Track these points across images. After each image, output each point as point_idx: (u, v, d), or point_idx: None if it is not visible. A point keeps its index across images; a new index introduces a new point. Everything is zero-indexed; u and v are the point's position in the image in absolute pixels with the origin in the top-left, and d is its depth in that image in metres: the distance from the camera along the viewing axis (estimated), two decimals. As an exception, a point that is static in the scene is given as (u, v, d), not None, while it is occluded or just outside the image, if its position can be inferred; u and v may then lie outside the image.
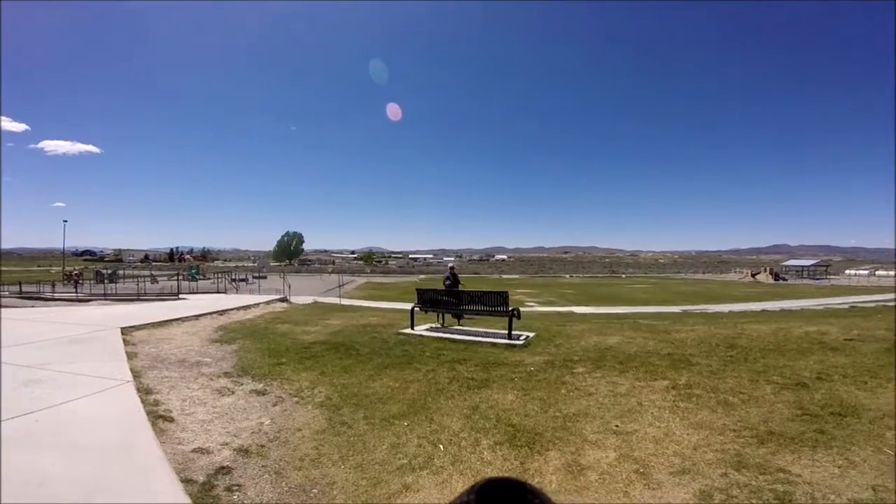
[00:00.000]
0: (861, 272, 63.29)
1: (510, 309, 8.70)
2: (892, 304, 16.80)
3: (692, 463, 3.51)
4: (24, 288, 25.78)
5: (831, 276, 60.69)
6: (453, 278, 11.47)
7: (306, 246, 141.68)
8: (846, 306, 17.02)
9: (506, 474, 3.32)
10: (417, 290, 10.56)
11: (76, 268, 50.21)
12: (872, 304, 17.39)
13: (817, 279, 57.43)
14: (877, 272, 61.78)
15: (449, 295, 9.98)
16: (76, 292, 25.08)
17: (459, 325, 10.25)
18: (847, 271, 67.09)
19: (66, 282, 33.79)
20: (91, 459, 3.46)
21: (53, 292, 24.85)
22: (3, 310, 13.32)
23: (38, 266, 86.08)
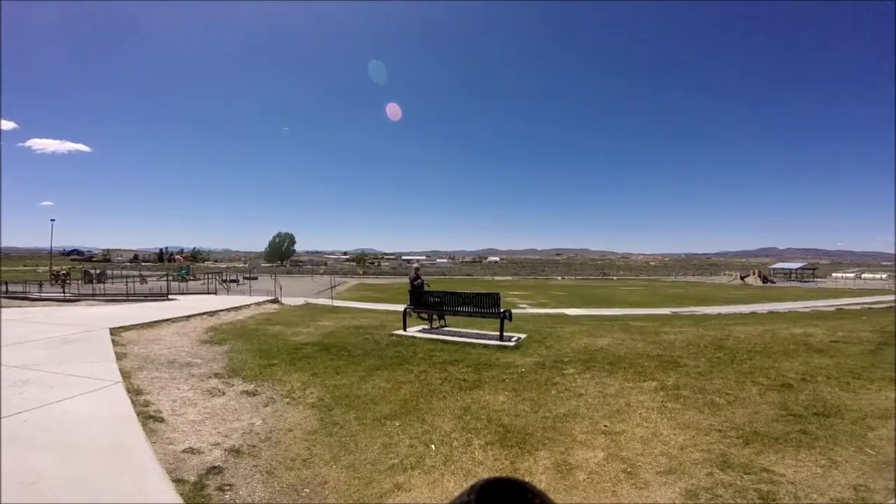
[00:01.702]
0: (848, 275, 64.18)
1: (502, 311, 8.75)
2: (877, 306, 17.09)
3: (678, 463, 3.57)
4: (10, 288, 25.39)
5: (818, 279, 61.50)
6: (420, 278, 11.78)
7: (298, 247, 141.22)
8: (832, 309, 17.27)
9: (503, 474, 3.36)
10: (410, 291, 10.57)
11: (63, 267, 49.55)
12: (858, 307, 17.67)
13: (805, 282, 58.17)
14: (863, 275, 62.70)
15: (437, 296, 10.01)
16: (64, 292, 24.76)
17: (446, 325, 10.27)
18: (834, 274, 68.00)
19: (53, 282, 33.34)
20: (82, 459, 3.45)
21: (41, 292, 24.52)
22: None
23: (25, 265, 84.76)
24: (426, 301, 10.04)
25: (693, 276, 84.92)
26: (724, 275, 75.43)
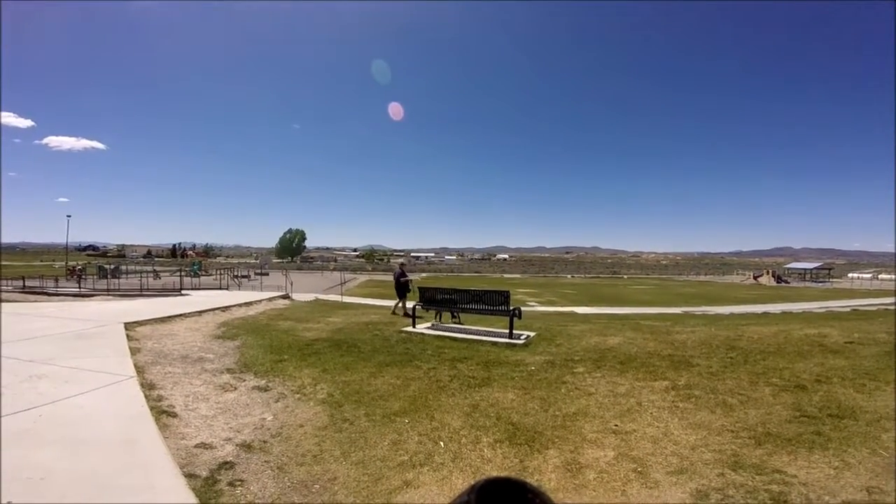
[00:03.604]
0: (864, 276, 63.04)
1: (511, 308, 8.73)
2: (893, 307, 16.76)
3: (690, 463, 3.54)
4: (28, 283, 25.88)
5: (834, 280, 60.48)
6: (405, 274, 12.69)
7: (308, 243, 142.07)
8: (848, 309, 16.96)
9: (506, 473, 3.36)
10: (419, 288, 10.59)
11: (79, 263, 50.32)
12: (874, 308, 17.34)
13: (820, 282, 57.25)
14: (879, 276, 61.56)
15: (447, 293, 10.02)
16: (79, 287, 25.16)
17: (460, 321, 10.27)
18: (850, 274, 66.83)
19: (69, 277, 33.89)
20: (94, 454, 3.51)
21: (57, 287, 24.95)
22: (4, 304, 13.39)
23: (41, 261, 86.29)
24: (436, 298, 10.04)
25: (705, 275, 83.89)
26: (737, 274, 74.49)
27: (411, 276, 13.36)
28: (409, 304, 12.26)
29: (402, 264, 12.89)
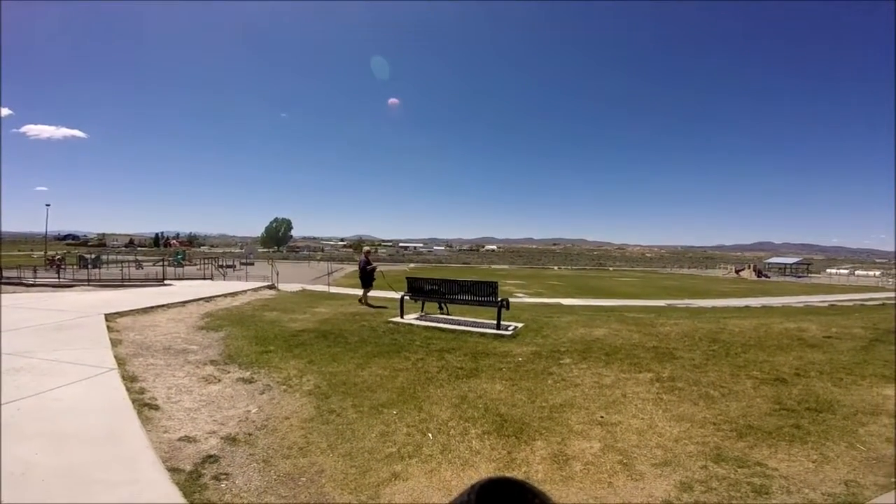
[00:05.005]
0: (841, 271, 64.65)
1: (499, 299, 8.75)
2: (870, 302, 17.22)
3: (673, 455, 3.59)
4: (5, 273, 25.21)
5: (813, 275, 61.89)
6: (370, 263, 12.86)
7: (295, 233, 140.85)
8: (826, 304, 17.40)
9: (501, 470, 3.38)
10: (407, 278, 10.54)
11: (58, 252, 49.18)
12: (851, 303, 17.79)
13: (799, 277, 58.53)
14: (856, 272, 63.19)
15: (435, 284, 10.00)
16: (59, 278, 24.57)
17: (443, 313, 10.26)
18: (828, 270, 68.48)
19: (48, 267, 33.10)
20: (76, 448, 3.44)
21: (35, 277, 24.33)
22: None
23: (20, 250, 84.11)
24: (425, 288, 10.02)
25: (689, 268, 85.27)
26: (720, 268, 75.78)
27: (378, 265, 13.28)
28: (377, 294, 12.33)
29: (366, 252, 12.71)
